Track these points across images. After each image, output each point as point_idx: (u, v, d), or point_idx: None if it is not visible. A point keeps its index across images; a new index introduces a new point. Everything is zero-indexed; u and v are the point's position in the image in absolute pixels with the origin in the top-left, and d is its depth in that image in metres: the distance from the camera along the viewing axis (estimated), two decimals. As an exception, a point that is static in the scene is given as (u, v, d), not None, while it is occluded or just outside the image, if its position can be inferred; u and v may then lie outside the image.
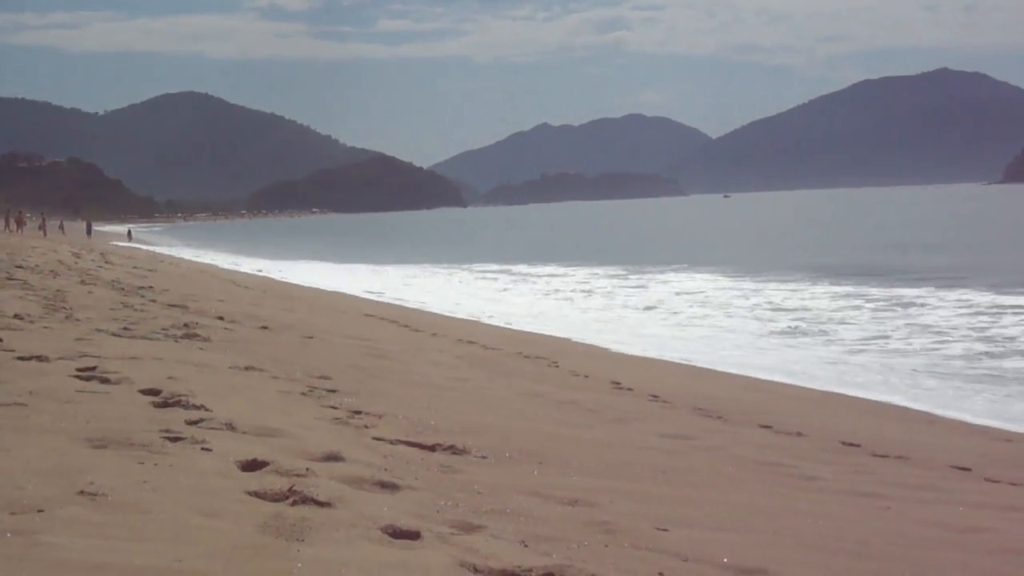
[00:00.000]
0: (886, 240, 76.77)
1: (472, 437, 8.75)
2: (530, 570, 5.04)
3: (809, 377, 20.34)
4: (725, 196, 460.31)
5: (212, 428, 7.58)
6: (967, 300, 33.97)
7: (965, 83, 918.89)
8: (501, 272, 57.82)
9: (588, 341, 25.49)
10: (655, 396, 14.64)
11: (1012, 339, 25.22)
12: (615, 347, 24.70)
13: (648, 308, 36.17)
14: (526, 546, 5.53)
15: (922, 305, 33.34)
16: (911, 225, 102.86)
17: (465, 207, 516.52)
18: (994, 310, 30.92)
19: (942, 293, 36.27)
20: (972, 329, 27.27)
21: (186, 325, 15.56)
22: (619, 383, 15.89)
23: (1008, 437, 14.05)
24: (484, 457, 8.09)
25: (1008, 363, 21.76)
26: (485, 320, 30.81)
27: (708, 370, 20.87)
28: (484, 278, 53.79)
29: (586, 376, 16.69)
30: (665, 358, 22.68)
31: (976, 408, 17.02)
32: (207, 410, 8.15)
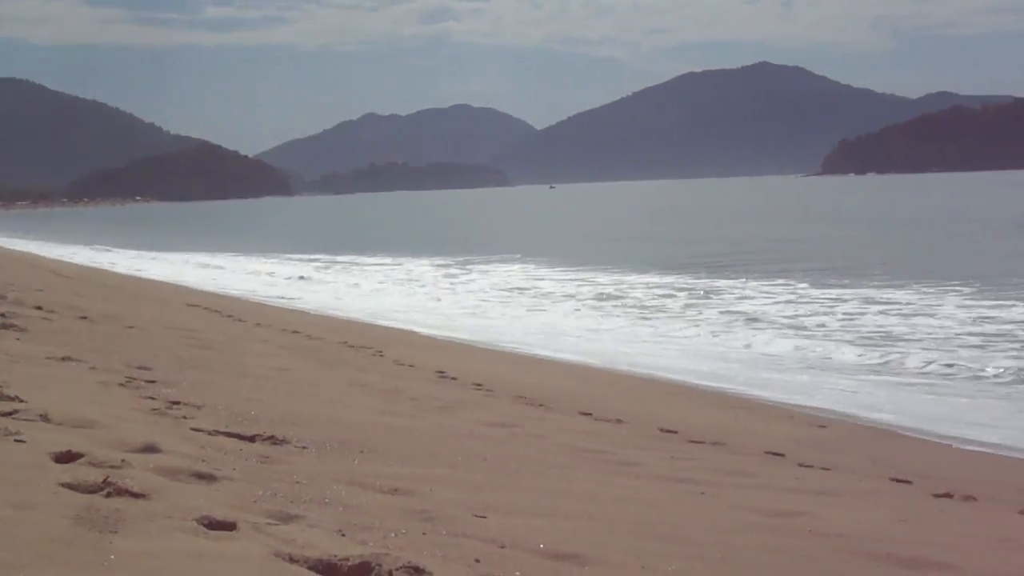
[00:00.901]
0: (707, 231, 78.09)
1: (293, 427, 8.70)
2: (346, 559, 5.04)
3: (631, 364, 20.63)
4: (551, 187, 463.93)
5: (26, 419, 7.42)
6: (786, 288, 34.79)
7: (785, 77, 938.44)
8: (330, 262, 57.46)
9: (414, 330, 25.50)
10: (479, 385, 14.72)
11: (823, 326, 25.92)
12: (441, 336, 24.76)
13: (476, 297, 36.32)
14: (343, 535, 5.53)
15: (736, 293, 34.08)
16: (733, 216, 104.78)
17: (292, 196, 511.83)
18: (806, 300, 31.72)
19: (756, 283, 37.07)
20: (787, 317, 27.95)
21: (2, 315, 15.18)
22: (444, 372, 15.94)
23: (822, 423, 14.43)
24: (304, 447, 8.05)
25: (819, 349, 22.35)
26: (311, 310, 30.61)
27: (532, 358, 21.04)
28: (313, 268, 53.36)
29: (411, 365, 16.71)
30: (491, 347, 22.81)
31: (793, 391, 17.46)
32: (21, 401, 7.97)
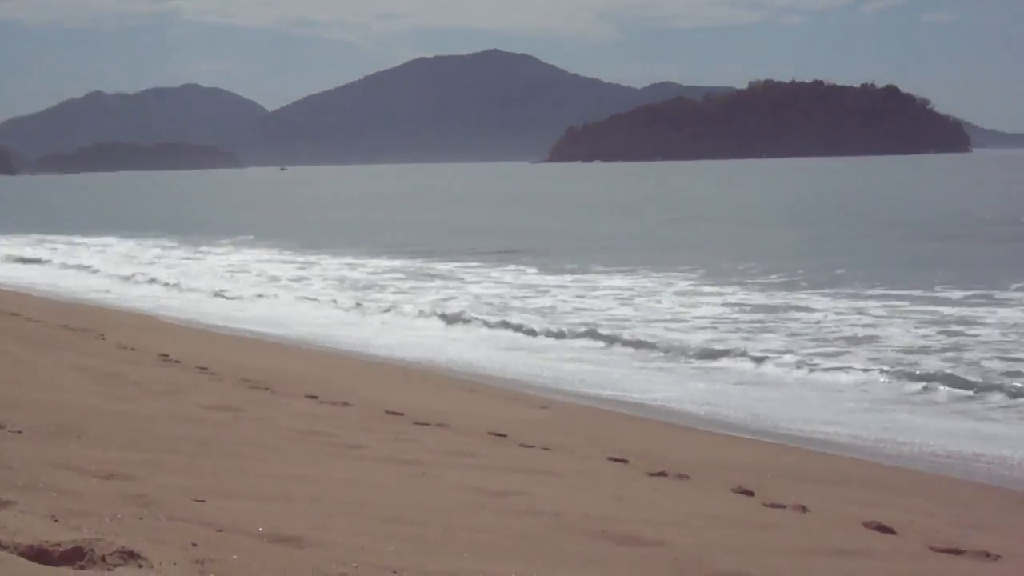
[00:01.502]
0: (440, 216, 78.53)
1: (8, 411, 8.45)
2: (58, 544, 4.94)
3: (364, 345, 20.70)
4: (282, 169, 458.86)
5: None
6: (507, 272, 35.35)
7: (515, 64, 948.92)
8: (55, 242, 55.72)
9: (138, 312, 24.99)
10: (203, 368, 14.54)
11: (551, 309, 26.41)
12: (167, 318, 24.33)
13: (205, 280, 35.75)
14: (56, 521, 5.41)
15: (458, 276, 34.48)
16: (462, 201, 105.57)
17: (15, 175, 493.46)
18: (524, 285, 32.29)
19: (487, 269, 37.55)
20: (503, 300, 28.39)
21: None
22: (167, 355, 15.69)
23: (545, 404, 14.74)
24: (19, 432, 7.83)
25: (545, 330, 22.75)
26: (33, 292, 29.70)
27: (260, 341, 20.87)
28: (37, 249, 51.61)
29: (133, 349, 16.39)
30: (217, 330, 22.53)
31: (522, 371, 17.78)
32: None
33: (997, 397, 15.66)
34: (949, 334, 21.15)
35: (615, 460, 10.29)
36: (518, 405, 14.49)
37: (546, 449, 10.58)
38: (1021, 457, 12.62)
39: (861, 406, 15.61)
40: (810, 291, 28.57)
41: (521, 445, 10.67)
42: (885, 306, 25.29)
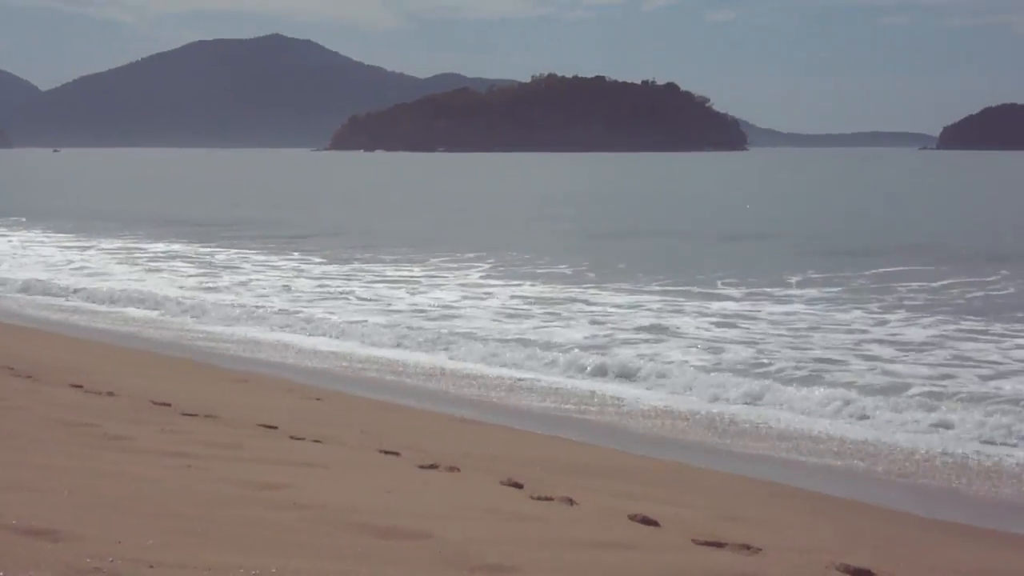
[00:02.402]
0: (220, 199, 77.39)
1: None
2: None
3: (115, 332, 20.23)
4: (55, 151, 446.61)
5: None
6: (272, 258, 35.03)
7: (297, 50, 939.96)
8: None
9: None
10: (-38, 356, 14.05)
11: (349, 292, 26.26)
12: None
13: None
14: None
15: (238, 263, 34.06)
16: (241, 187, 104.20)
17: None
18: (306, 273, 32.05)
19: (237, 252, 37.20)
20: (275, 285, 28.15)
21: None
22: (-77, 342, 15.12)
23: (319, 395, 14.61)
24: None
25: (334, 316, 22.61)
26: None
27: (24, 328, 20.28)
28: None
29: None
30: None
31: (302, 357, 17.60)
32: None
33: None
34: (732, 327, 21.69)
35: (387, 453, 10.24)
36: (291, 396, 14.34)
37: (317, 441, 10.47)
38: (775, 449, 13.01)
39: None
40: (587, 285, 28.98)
41: (292, 437, 10.54)
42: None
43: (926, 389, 15.94)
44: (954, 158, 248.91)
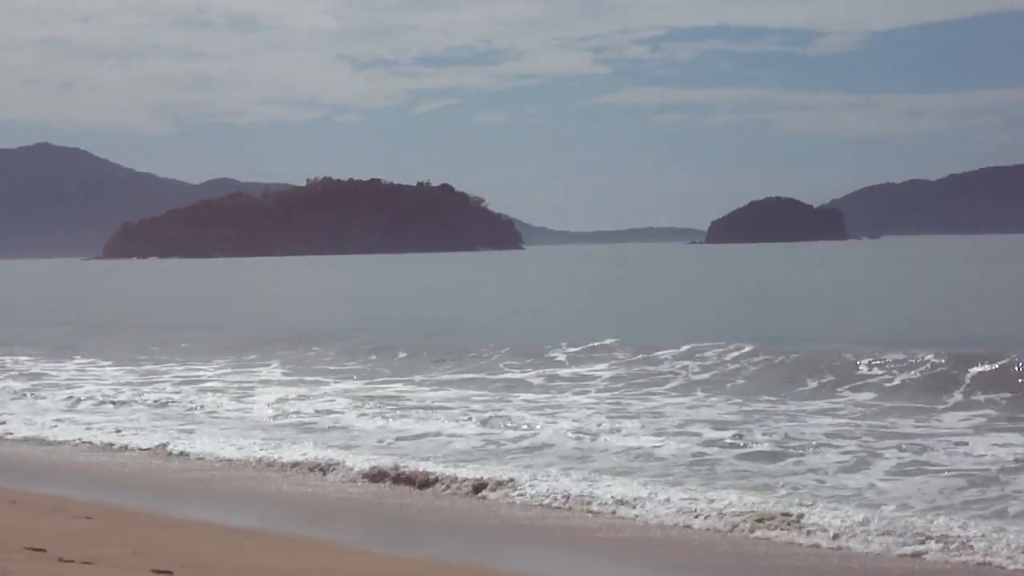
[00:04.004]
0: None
1: None
2: None
3: None
4: None
5: None
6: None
7: (66, 158, 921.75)
8: None
9: None
10: None
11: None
12: None
13: None
14: None
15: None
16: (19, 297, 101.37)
17: None
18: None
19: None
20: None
21: None
22: None
23: (89, 514, 14.27)
24: None
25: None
26: None
27: None
28: None
29: None
30: None
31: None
32: None
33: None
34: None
35: (159, 572, 10.08)
36: (59, 515, 13.98)
37: (87, 563, 10.26)
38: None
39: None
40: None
41: (61, 560, 10.30)
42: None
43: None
44: (715, 251, 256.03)
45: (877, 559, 12.40)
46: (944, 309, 51.90)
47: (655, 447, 19.25)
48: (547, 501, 15.50)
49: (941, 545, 12.48)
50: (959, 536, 12.63)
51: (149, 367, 35.09)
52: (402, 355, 35.42)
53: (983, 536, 12.59)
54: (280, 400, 26.82)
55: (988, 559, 12.11)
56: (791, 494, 15.20)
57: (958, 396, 24.34)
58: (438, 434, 21.40)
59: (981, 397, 24.01)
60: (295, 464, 18.73)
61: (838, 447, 18.75)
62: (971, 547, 12.36)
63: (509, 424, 22.22)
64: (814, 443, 19.14)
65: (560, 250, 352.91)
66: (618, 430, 21.01)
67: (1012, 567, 11.89)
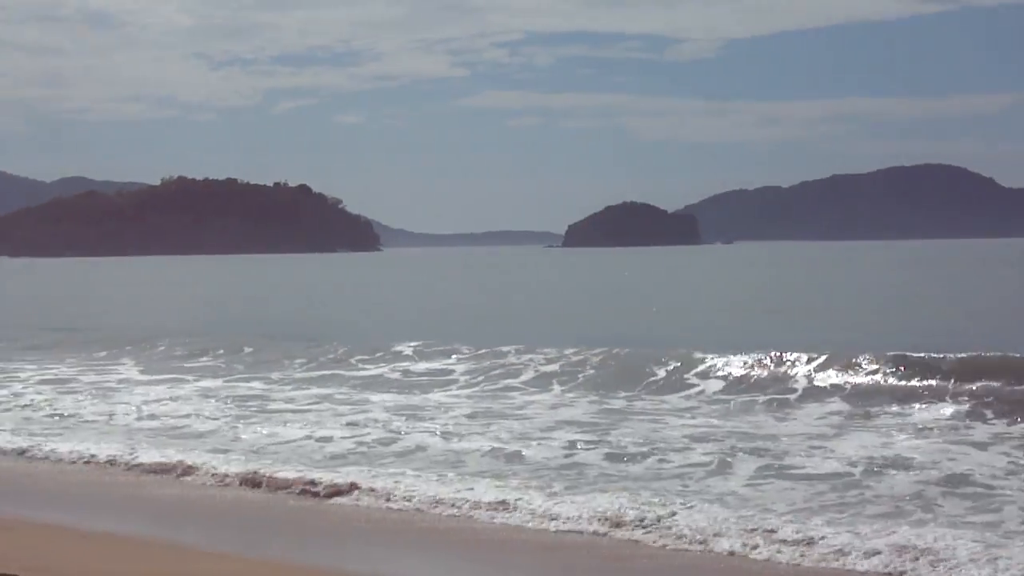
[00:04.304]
0: None
1: None
2: None
3: None
4: None
5: None
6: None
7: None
8: None
9: None
10: None
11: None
12: None
13: None
14: None
15: None
16: None
17: None
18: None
19: None
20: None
21: None
22: None
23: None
24: None
25: None
26: None
27: None
28: None
29: None
30: None
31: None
32: None
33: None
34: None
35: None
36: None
37: None
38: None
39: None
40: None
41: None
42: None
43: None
44: (570, 254, 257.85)
45: (739, 560, 12.45)
46: (791, 311, 52.81)
47: (521, 449, 19.21)
48: (414, 505, 15.30)
49: (800, 547, 12.58)
50: (816, 537, 12.75)
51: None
52: (249, 350, 35.10)
53: (837, 535, 12.77)
54: (138, 400, 26.31)
55: (843, 561, 12.20)
56: (654, 496, 15.21)
57: (809, 395, 24.69)
58: (305, 437, 21.03)
59: (832, 396, 24.40)
60: (153, 466, 18.31)
61: (698, 449, 18.88)
62: (830, 549, 12.47)
63: (376, 425, 22.04)
64: (676, 445, 19.26)
65: (418, 252, 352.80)
66: (484, 431, 21.00)
67: (863, 567, 11.99)
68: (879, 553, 12.18)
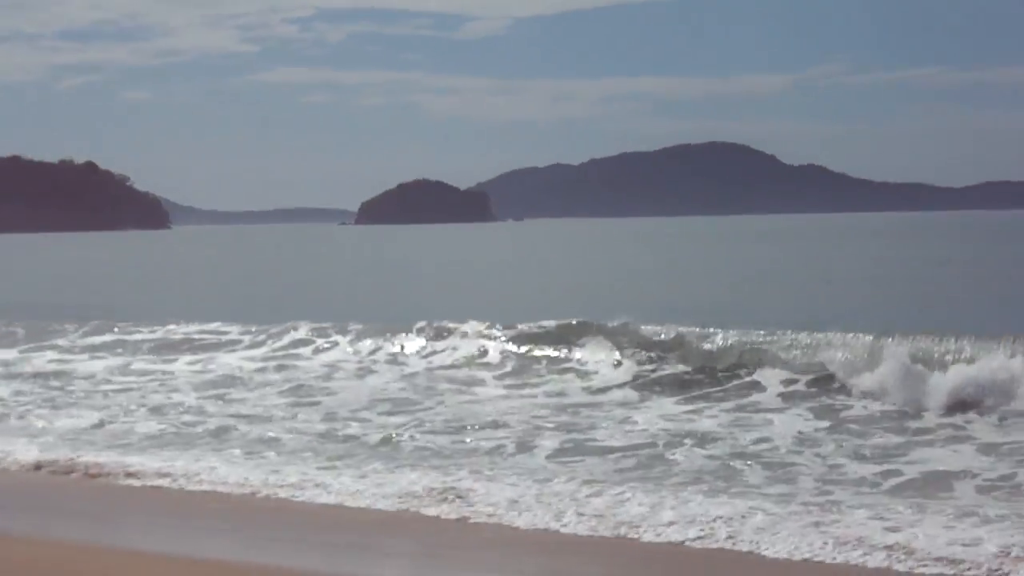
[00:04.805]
0: None
1: None
2: None
3: None
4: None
5: None
6: None
7: None
8: None
9: None
10: None
11: None
12: None
13: None
14: None
15: None
16: None
17: None
18: None
19: None
20: None
21: None
22: None
23: None
24: None
25: None
26: None
27: None
28: None
29: None
30: None
31: None
32: None
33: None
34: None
35: None
36: None
37: None
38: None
39: None
40: None
41: None
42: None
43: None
44: (363, 231, 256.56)
45: (542, 535, 12.71)
46: (575, 286, 53.38)
47: (332, 428, 19.38)
48: (224, 489, 15.22)
49: (611, 520, 12.92)
50: (615, 509, 13.21)
51: None
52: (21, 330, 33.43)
53: (640, 505, 13.25)
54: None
55: (633, 532, 12.55)
56: (462, 471, 15.49)
57: (603, 365, 24.79)
58: (108, 421, 20.70)
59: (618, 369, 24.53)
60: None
61: (505, 424, 19.22)
62: (632, 518, 12.86)
63: (180, 409, 21.85)
64: (487, 420, 19.62)
65: (208, 230, 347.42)
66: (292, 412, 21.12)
67: (657, 538, 12.31)
68: (675, 523, 12.57)
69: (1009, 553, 11.01)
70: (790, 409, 20.25)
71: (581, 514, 13.07)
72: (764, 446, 17.15)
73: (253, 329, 30.36)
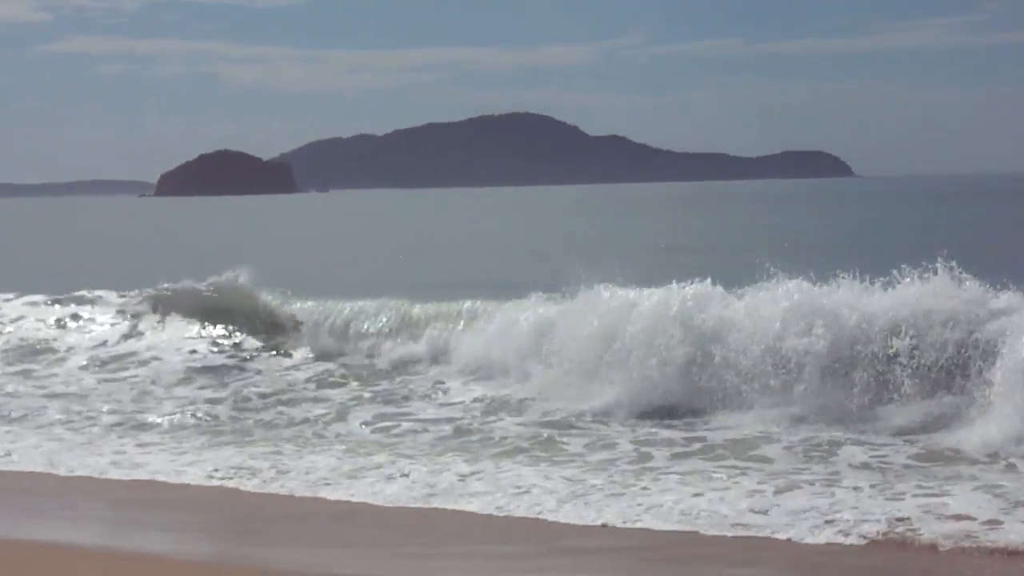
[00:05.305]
0: None
1: None
2: None
3: None
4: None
5: None
6: None
7: None
8: None
9: None
10: None
11: None
12: None
13: None
14: None
15: None
16: None
17: None
18: None
19: None
20: None
21: None
22: None
23: None
24: None
25: None
26: None
27: None
28: None
29: None
30: None
31: None
32: None
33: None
34: None
35: None
36: None
37: None
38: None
39: None
40: None
41: None
42: None
43: None
44: (162, 203, 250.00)
45: (353, 507, 12.77)
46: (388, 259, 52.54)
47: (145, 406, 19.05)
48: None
49: (438, 491, 13.09)
50: (439, 480, 13.42)
51: None
52: None
53: (458, 476, 13.54)
54: None
55: (443, 500, 12.81)
56: (279, 445, 15.48)
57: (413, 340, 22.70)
58: None
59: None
60: None
61: (320, 399, 19.09)
62: (444, 487, 13.15)
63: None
64: (300, 396, 19.42)
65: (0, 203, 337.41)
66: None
67: (474, 507, 12.50)
68: (490, 493, 12.85)
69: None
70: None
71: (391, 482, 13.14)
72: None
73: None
